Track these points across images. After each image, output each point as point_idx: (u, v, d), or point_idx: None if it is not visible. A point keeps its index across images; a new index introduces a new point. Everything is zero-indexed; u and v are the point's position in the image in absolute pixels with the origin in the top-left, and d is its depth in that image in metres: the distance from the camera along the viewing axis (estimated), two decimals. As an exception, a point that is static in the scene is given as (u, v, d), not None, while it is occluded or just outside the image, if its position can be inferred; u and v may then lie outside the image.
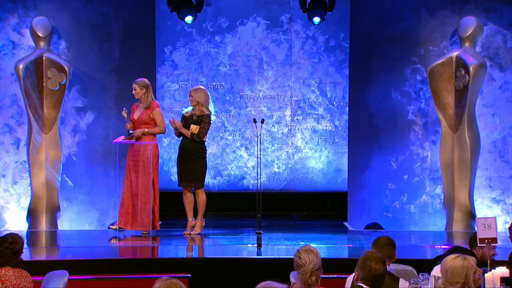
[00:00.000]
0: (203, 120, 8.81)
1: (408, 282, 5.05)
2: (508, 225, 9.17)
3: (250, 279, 4.06)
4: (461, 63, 9.79)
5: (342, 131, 11.46)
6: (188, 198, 8.98)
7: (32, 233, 9.60)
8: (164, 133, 9.16)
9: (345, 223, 10.46)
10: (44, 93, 9.84)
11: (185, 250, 8.53)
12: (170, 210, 10.80)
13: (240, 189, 11.51)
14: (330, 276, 6.70)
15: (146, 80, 9.00)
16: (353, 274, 4.88)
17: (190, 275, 7.24)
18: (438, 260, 5.97)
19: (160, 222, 9.09)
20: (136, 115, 8.94)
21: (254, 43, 11.46)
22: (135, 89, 8.91)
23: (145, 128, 8.87)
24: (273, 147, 11.55)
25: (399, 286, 4.98)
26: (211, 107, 8.93)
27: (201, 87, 9.07)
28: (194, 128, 8.82)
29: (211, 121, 8.92)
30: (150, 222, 8.84)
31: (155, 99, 10.67)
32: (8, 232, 6.27)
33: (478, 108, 10.01)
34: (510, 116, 10.21)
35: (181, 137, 8.96)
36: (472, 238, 6.31)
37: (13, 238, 5.30)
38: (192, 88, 9.08)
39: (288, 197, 11.50)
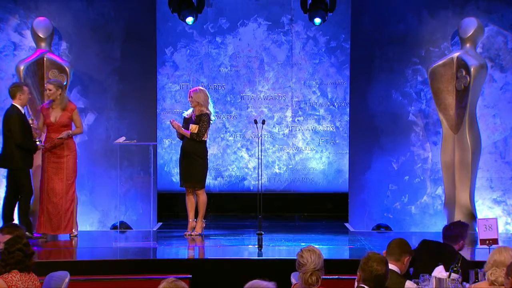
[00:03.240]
0: (201, 119, 8.83)
1: (415, 284, 5.06)
2: (509, 226, 9.19)
3: (250, 280, 4.06)
4: (462, 64, 9.78)
5: (343, 132, 11.46)
6: (190, 199, 8.99)
7: (33, 234, 9.59)
8: (82, 133, 9.19)
9: (346, 224, 10.45)
10: (45, 94, 9.84)
11: (185, 251, 8.54)
12: (170, 211, 10.82)
13: (241, 190, 11.51)
14: (331, 277, 6.70)
15: (60, 80, 9.05)
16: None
17: (190, 276, 7.25)
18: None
19: (160, 223, 9.09)
20: (53, 118, 8.77)
21: (255, 44, 11.46)
22: (50, 90, 8.77)
23: (69, 131, 8.78)
24: (274, 148, 11.56)
25: (405, 286, 4.98)
26: (211, 108, 8.96)
27: (201, 87, 9.11)
28: (194, 127, 8.84)
29: (211, 121, 8.94)
30: (75, 225, 8.96)
31: (156, 100, 10.73)
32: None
33: (479, 109, 10.01)
34: (511, 117, 10.20)
35: (183, 139, 8.98)
36: None
37: (26, 240, 5.17)
38: (192, 89, 9.11)
39: (289, 198, 11.50)
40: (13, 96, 8.62)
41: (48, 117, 8.79)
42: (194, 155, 8.88)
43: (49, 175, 8.81)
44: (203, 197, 8.97)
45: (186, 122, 8.98)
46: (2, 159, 8.62)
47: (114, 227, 9.84)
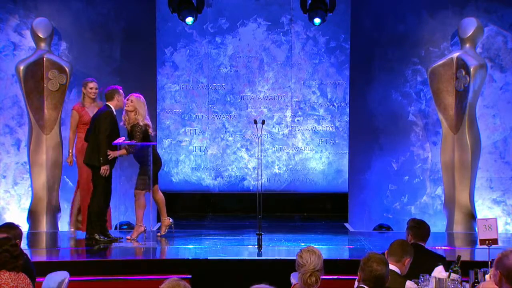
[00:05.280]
0: (134, 130, 8.57)
1: (416, 284, 5.07)
2: (509, 226, 9.18)
3: (250, 280, 4.06)
4: (461, 64, 9.79)
5: (342, 132, 11.47)
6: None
7: (33, 234, 9.60)
8: None
9: (346, 224, 10.46)
10: (44, 94, 9.85)
11: (185, 250, 8.54)
12: (170, 211, 10.81)
13: (240, 190, 11.51)
14: (331, 277, 6.70)
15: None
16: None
17: (190, 276, 7.24)
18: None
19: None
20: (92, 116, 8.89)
21: (254, 44, 11.46)
22: (97, 88, 9.03)
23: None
24: (273, 148, 11.56)
25: (405, 286, 4.99)
26: (148, 121, 8.67)
27: (142, 97, 8.88)
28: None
29: (150, 134, 8.68)
30: None
31: (156, 100, 10.74)
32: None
33: (479, 109, 10.02)
34: (510, 117, 10.21)
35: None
36: None
37: (13, 241, 5.19)
38: (134, 93, 8.83)
39: (288, 198, 11.51)
40: (110, 98, 8.58)
41: (87, 115, 8.88)
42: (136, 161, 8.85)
43: (88, 173, 8.87)
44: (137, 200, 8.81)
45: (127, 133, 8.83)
46: (86, 156, 8.61)
47: (118, 226, 9.86)
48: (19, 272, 5.05)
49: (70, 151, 9.15)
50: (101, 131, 8.41)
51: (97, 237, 8.46)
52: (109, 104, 8.58)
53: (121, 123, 8.77)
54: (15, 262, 5.03)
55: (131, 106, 8.66)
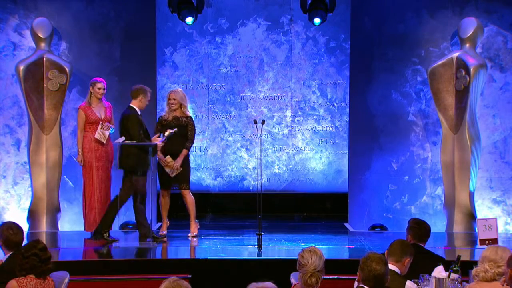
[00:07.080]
0: (189, 123, 8.78)
1: (415, 284, 5.07)
2: (509, 226, 9.18)
3: (250, 280, 4.06)
4: (461, 64, 9.79)
5: (342, 132, 11.47)
6: (167, 201, 8.95)
7: (33, 234, 9.59)
8: None
9: (346, 224, 10.46)
10: (44, 94, 9.84)
11: (185, 250, 8.54)
12: (170, 211, 10.81)
13: (240, 190, 11.52)
14: (331, 277, 6.70)
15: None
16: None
17: (190, 276, 7.25)
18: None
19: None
20: (99, 115, 8.91)
21: (254, 44, 11.47)
22: (104, 88, 8.98)
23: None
24: (273, 148, 11.56)
25: (405, 286, 4.99)
26: (190, 108, 8.92)
27: (178, 88, 9.04)
28: (171, 162, 8.72)
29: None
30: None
31: (156, 100, 10.73)
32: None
33: (479, 109, 10.02)
34: (510, 117, 10.21)
35: (165, 140, 8.69)
36: None
37: (42, 244, 4.97)
38: (171, 90, 9.00)
39: (288, 198, 11.51)
40: (135, 97, 8.64)
41: (93, 114, 8.89)
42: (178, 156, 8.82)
43: (100, 171, 8.93)
44: (191, 198, 8.92)
45: (168, 126, 8.80)
46: (120, 160, 8.63)
47: (123, 225, 9.85)
48: (46, 279, 4.89)
49: (80, 150, 9.09)
50: (134, 137, 8.46)
51: (105, 235, 8.53)
52: (132, 106, 8.63)
53: (164, 115, 8.88)
54: (42, 266, 4.87)
55: (176, 104, 8.80)
